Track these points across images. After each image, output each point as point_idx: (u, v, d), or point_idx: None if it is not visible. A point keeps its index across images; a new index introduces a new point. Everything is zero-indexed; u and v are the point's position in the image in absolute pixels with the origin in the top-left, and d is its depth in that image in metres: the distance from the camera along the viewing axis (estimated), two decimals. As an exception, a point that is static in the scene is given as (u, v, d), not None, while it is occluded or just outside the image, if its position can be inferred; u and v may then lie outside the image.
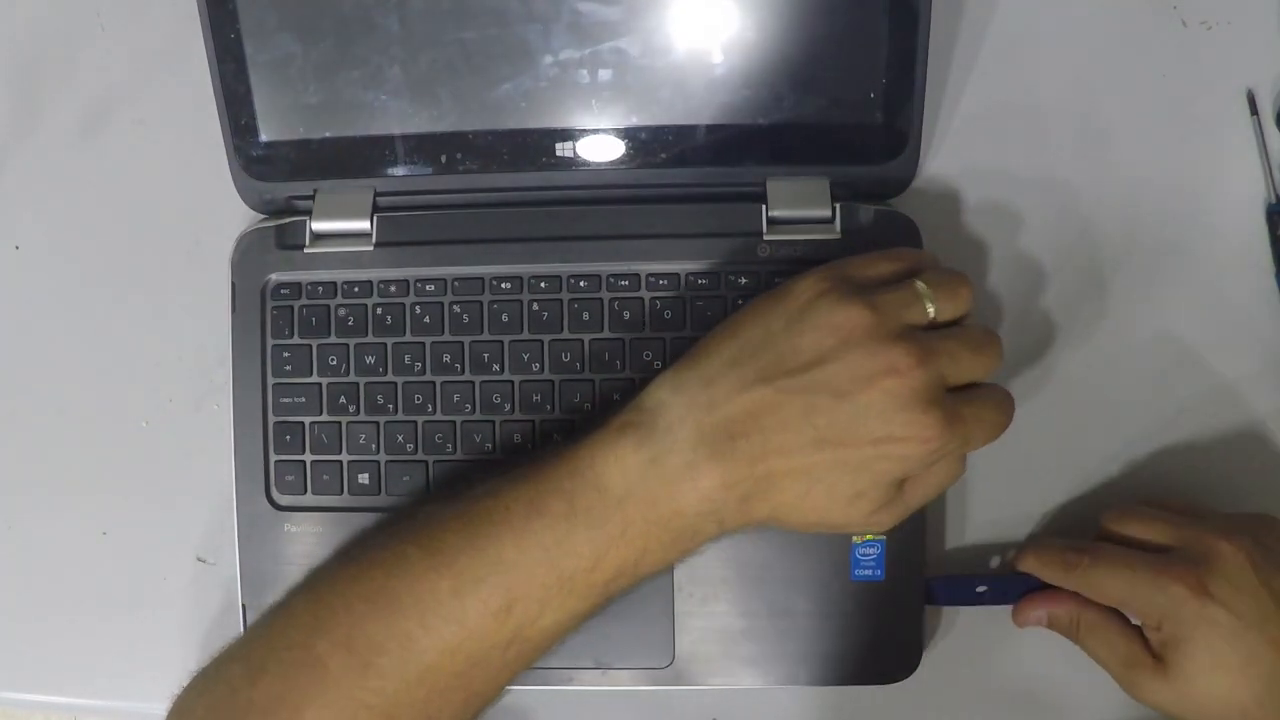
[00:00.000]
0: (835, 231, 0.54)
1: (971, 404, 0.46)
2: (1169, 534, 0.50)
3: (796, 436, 0.45)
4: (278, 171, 0.55)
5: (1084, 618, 0.51)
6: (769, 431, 0.45)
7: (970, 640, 0.55)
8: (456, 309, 0.54)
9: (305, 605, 0.47)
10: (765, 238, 0.54)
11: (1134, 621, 0.51)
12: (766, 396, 0.45)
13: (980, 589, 0.53)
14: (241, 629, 0.54)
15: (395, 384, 0.55)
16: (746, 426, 0.45)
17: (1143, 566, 0.49)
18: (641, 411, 0.47)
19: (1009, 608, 0.54)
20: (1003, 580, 0.54)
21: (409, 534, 0.47)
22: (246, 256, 0.55)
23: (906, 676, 0.54)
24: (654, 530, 0.46)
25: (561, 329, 0.54)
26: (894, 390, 0.44)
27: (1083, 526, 0.55)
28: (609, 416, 0.47)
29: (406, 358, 0.54)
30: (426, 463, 0.54)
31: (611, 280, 0.54)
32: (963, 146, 0.57)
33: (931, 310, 0.46)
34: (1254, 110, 0.56)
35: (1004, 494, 0.56)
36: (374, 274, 0.55)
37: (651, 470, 0.45)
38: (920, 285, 0.47)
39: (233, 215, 0.56)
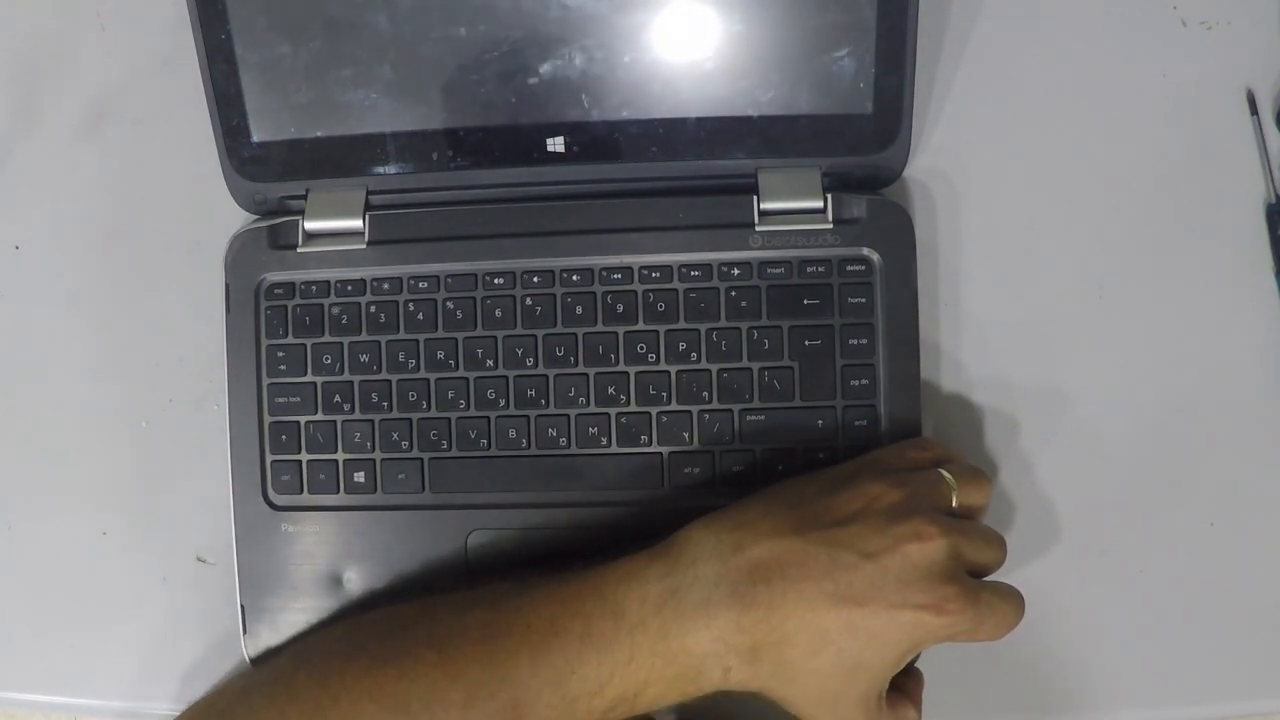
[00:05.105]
0: (827, 222, 0.53)
1: (988, 591, 0.47)
2: None
3: (816, 589, 0.45)
4: (270, 172, 0.55)
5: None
6: (790, 580, 0.45)
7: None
8: (450, 305, 0.54)
9: (310, 687, 0.47)
10: (757, 228, 0.54)
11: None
12: (794, 545, 0.46)
13: None
14: (241, 630, 0.54)
15: (390, 382, 0.55)
16: (769, 573, 0.46)
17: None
18: (671, 544, 0.48)
19: None
20: None
21: (425, 636, 0.48)
22: (240, 257, 0.55)
23: None
24: (658, 663, 0.46)
25: (555, 323, 0.54)
26: (916, 556, 0.45)
27: (1081, 526, 0.54)
28: (641, 546, 0.48)
29: (400, 355, 0.54)
30: (422, 460, 0.54)
31: (604, 274, 0.54)
32: (954, 136, 0.57)
33: (954, 498, 0.48)
34: (1254, 110, 0.56)
35: (1000, 495, 0.55)
36: (367, 272, 0.55)
37: (669, 602, 0.46)
38: (946, 473, 0.49)
39: (231, 215, 0.57)
